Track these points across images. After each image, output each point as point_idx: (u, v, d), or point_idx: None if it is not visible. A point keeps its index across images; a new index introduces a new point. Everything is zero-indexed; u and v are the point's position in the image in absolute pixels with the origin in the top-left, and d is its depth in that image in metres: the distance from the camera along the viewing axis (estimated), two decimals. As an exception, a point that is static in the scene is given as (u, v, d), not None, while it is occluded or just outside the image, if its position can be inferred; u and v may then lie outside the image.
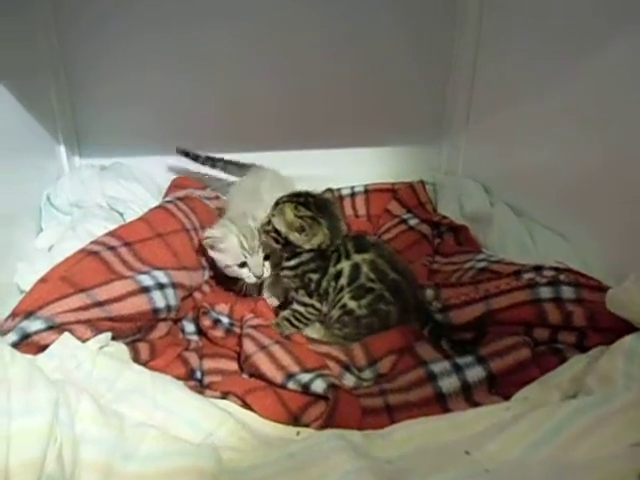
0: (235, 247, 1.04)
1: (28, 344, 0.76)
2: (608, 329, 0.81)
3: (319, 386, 0.82)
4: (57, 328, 0.78)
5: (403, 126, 1.56)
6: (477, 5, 1.38)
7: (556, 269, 0.95)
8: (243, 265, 1.06)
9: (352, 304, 0.94)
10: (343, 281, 0.95)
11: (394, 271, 0.96)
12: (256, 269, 1.06)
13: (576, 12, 1.07)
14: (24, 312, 0.80)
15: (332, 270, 0.96)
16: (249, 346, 0.91)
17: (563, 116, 1.14)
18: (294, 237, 0.97)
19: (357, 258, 0.96)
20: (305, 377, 0.84)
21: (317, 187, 1.07)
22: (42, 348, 0.76)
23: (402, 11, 1.42)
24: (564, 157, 1.14)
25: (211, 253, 1.07)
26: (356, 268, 0.95)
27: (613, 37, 0.98)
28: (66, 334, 0.77)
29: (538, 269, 0.96)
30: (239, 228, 1.05)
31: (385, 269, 0.95)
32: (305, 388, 0.83)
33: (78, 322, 0.80)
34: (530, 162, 1.27)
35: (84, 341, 0.78)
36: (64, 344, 0.75)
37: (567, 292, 0.88)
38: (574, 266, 0.98)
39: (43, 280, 0.88)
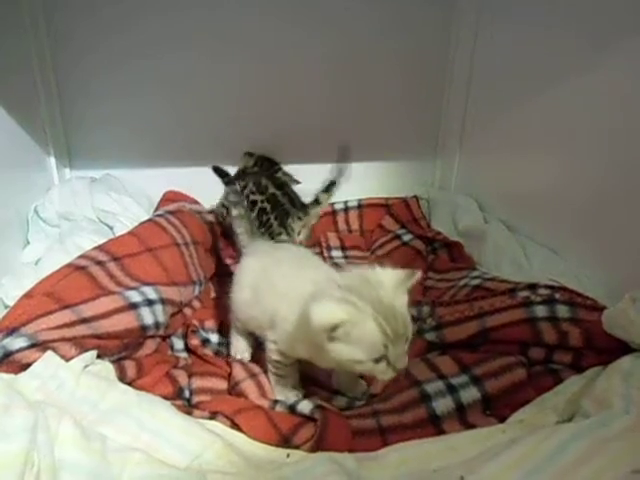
0: (375, 336, 0.68)
1: (9, 363, 0.73)
2: (604, 349, 0.80)
3: (306, 407, 0.81)
4: (40, 346, 0.75)
5: (397, 141, 1.56)
6: (472, 24, 1.39)
7: (551, 287, 0.94)
8: (380, 359, 0.71)
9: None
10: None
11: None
12: (399, 361, 0.71)
13: (568, 33, 1.07)
14: (6, 329, 0.77)
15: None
16: (239, 372, 0.90)
17: (557, 133, 1.14)
18: None
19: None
20: (290, 400, 0.84)
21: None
22: (24, 367, 0.73)
23: (397, 29, 1.43)
24: (558, 174, 1.14)
25: (331, 347, 0.70)
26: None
27: (608, 56, 0.98)
28: (49, 352, 0.74)
29: (533, 287, 0.95)
30: (373, 305, 0.69)
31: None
32: (292, 409, 0.82)
33: (62, 340, 0.78)
34: (524, 179, 1.27)
35: (68, 360, 0.76)
36: (47, 363, 0.72)
37: (562, 311, 0.87)
38: (568, 283, 0.97)
39: (27, 295, 0.85)
